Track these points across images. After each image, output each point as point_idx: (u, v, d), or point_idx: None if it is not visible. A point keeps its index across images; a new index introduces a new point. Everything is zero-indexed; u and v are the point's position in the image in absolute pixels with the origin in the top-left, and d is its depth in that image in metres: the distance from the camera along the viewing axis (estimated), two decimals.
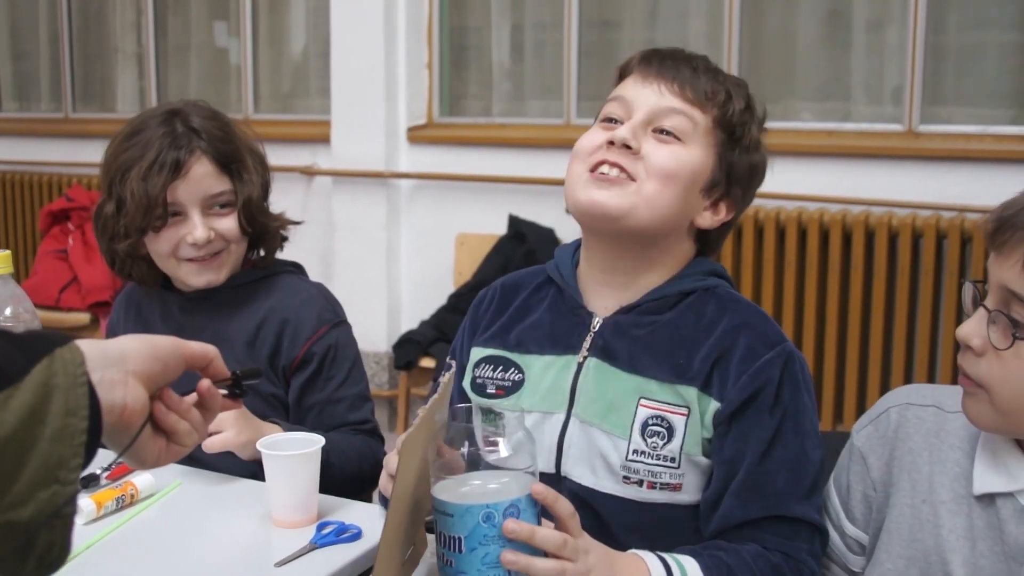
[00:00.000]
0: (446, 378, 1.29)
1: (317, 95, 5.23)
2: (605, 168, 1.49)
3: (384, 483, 1.46)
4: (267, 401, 1.98)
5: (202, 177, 1.93)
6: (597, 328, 1.54)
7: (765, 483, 1.44)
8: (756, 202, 4.04)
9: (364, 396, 2.06)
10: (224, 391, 1.18)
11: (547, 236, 4.38)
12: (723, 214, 1.57)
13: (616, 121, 1.53)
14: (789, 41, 4.32)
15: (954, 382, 1.36)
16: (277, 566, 1.52)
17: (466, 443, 1.23)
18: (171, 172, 1.90)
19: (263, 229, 2.03)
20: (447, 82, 4.90)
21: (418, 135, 4.78)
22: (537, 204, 4.43)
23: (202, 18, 5.67)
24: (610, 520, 1.46)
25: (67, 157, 5.76)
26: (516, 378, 1.56)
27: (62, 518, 0.87)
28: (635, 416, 1.47)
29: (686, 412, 1.46)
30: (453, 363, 1.59)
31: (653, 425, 1.46)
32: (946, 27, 4.03)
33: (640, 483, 1.46)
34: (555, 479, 1.48)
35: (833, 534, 1.50)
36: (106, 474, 1.78)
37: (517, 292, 1.66)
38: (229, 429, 1.76)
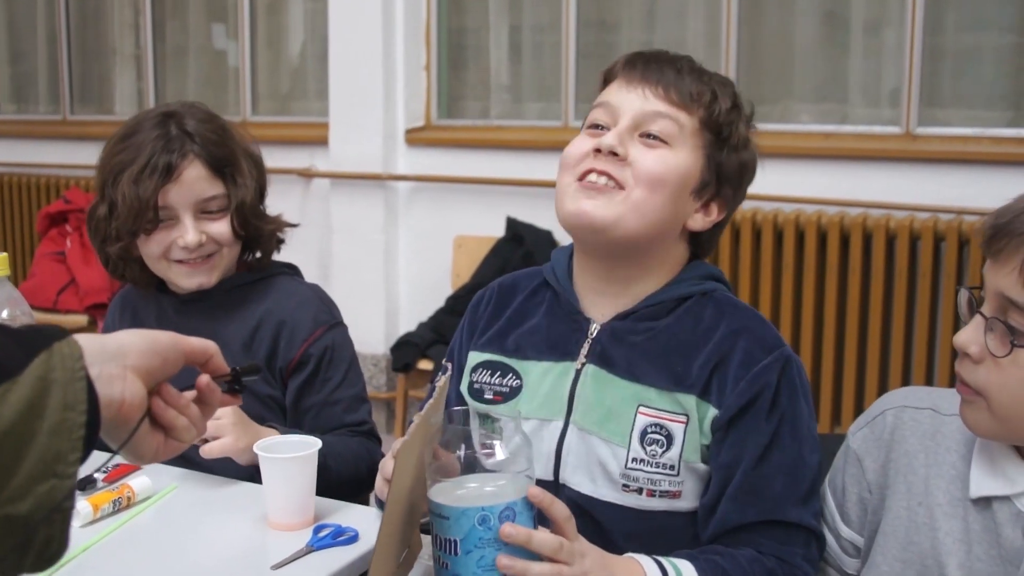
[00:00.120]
0: (442, 382, 1.29)
1: (315, 97, 5.23)
2: (593, 176, 1.48)
3: (380, 487, 1.46)
4: (264, 403, 1.98)
5: (194, 181, 1.93)
6: (595, 334, 1.53)
7: (762, 488, 1.44)
8: (754, 204, 4.07)
9: (361, 397, 2.06)
10: (223, 387, 1.17)
11: (545, 238, 4.38)
12: (715, 215, 1.56)
13: (602, 127, 1.52)
14: (787, 43, 4.32)
15: (952, 385, 1.36)
16: (273, 569, 1.51)
17: (462, 446, 1.23)
18: (162, 176, 1.90)
19: (257, 232, 2.02)
20: (445, 84, 4.90)
21: (416, 137, 4.78)
22: (535, 206, 4.43)
23: (200, 20, 5.67)
24: (609, 528, 1.46)
25: (65, 159, 5.76)
26: (514, 384, 1.56)
27: (61, 512, 0.87)
28: (634, 424, 1.47)
29: (685, 420, 1.46)
30: (449, 365, 1.60)
31: (652, 433, 1.46)
32: (944, 29, 4.03)
33: (639, 491, 1.46)
34: (553, 487, 1.48)
35: (828, 536, 1.50)
36: (103, 477, 1.78)
37: (514, 293, 1.66)
38: (228, 435, 1.76)
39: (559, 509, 1.24)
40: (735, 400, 1.45)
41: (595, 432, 1.49)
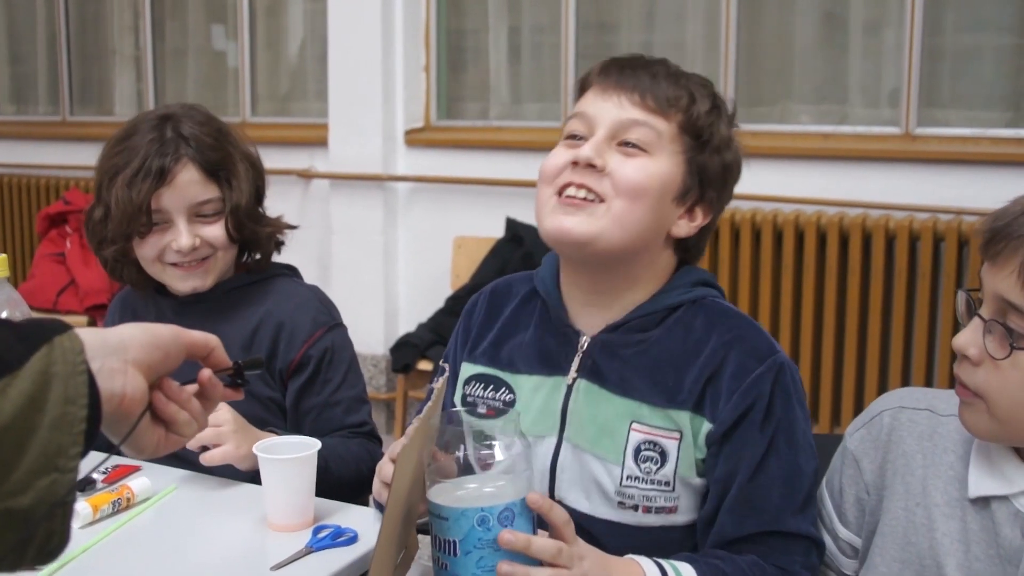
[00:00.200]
0: (439, 384, 1.29)
1: (314, 98, 5.23)
2: (572, 190, 1.46)
3: (378, 490, 1.45)
4: (264, 405, 1.98)
5: (188, 184, 1.92)
6: (585, 348, 1.52)
7: (759, 499, 1.43)
8: (753, 205, 4.08)
9: (361, 398, 2.06)
10: (226, 381, 1.16)
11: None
12: (700, 219, 1.53)
13: (580, 138, 1.50)
14: (786, 43, 4.32)
15: (952, 385, 1.36)
16: (273, 570, 1.52)
17: (461, 447, 1.23)
18: (156, 179, 1.90)
19: (254, 235, 2.02)
20: (444, 85, 4.90)
21: (415, 138, 4.78)
22: (534, 207, 4.42)
23: (200, 21, 5.67)
24: (606, 544, 1.43)
25: (64, 160, 5.76)
26: (507, 398, 1.55)
27: (62, 507, 0.87)
28: (627, 441, 1.46)
29: (678, 436, 1.45)
30: (447, 366, 1.59)
31: (646, 450, 1.45)
32: (943, 30, 4.03)
33: (635, 507, 1.46)
34: None
35: (826, 537, 1.50)
36: (102, 478, 1.79)
37: (507, 300, 1.64)
38: (228, 442, 1.76)
39: (558, 513, 1.24)
40: (729, 413, 1.43)
41: (589, 450, 1.48)
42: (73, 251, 5.23)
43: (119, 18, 5.89)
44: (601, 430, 1.48)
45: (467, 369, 1.61)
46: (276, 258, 2.11)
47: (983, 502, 1.33)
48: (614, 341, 1.51)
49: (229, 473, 1.81)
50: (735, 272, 4.10)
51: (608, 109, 1.49)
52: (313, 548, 1.57)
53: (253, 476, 1.74)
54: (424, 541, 1.33)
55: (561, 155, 1.50)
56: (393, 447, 1.35)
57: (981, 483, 1.33)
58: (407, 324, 4.79)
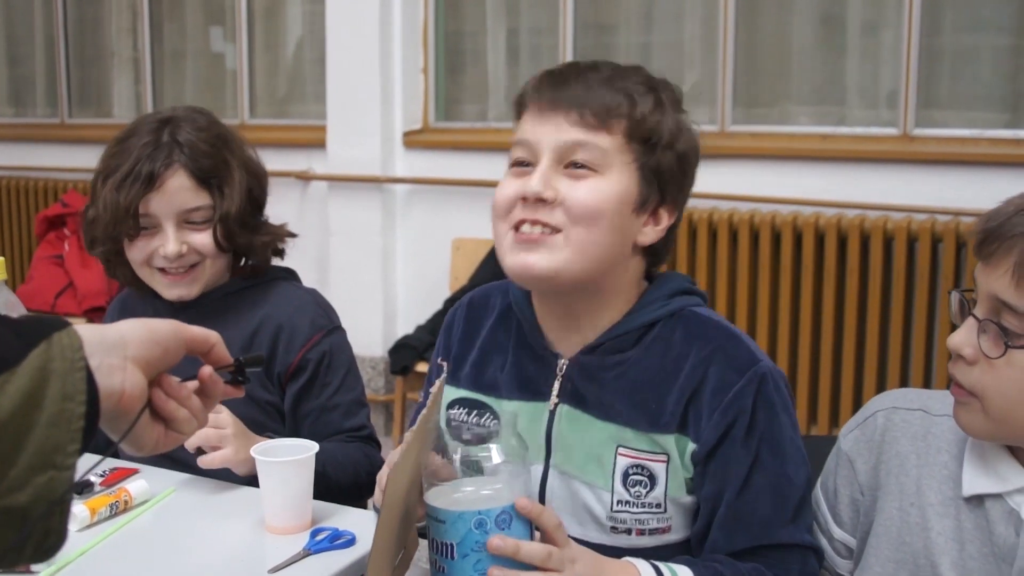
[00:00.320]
0: (436, 387, 1.28)
1: (313, 100, 5.23)
2: (526, 227, 1.41)
3: (378, 496, 1.45)
4: (263, 408, 1.98)
5: (177, 191, 1.92)
6: (563, 371, 1.49)
7: (748, 514, 1.41)
8: (751, 206, 4.08)
9: (360, 402, 2.05)
10: (226, 378, 1.15)
11: None
12: (665, 221, 1.49)
13: (526, 164, 1.45)
14: (784, 44, 4.32)
15: (948, 386, 1.36)
16: (271, 572, 1.52)
17: (459, 449, 1.23)
18: (144, 184, 1.90)
19: (248, 244, 2.01)
20: (443, 87, 4.90)
21: (414, 140, 4.78)
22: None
23: (198, 23, 5.67)
24: None
25: (63, 162, 5.75)
26: (491, 424, 1.52)
27: (60, 504, 0.87)
28: (615, 466, 1.44)
29: (665, 459, 1.43)
30: (445, 365, 1.58)
31: (634, 474, 1.44)
32: (941, 30, 4.03)
33: (628, 531, 1.45)
34: None
35: (821, 538, 1.49)
36: (100, 481, 1.78)
37: (485, 313, 1.61)
38: (227, 446, 1.75)
39: (548, 517, 1.23)
40: (711, 432, 1.41)
41: (577, 476, 1.46)
42: (71, 253, 5.23)
43: (117, 20, 5.88)
44: (588, 456, 1.46)
45: (450, 392, 1.58)
46: (275, 261, 2.11)
47: (977, 500, 1.34)
48: (592, 363, 1.48)
49: (227, 476, 1.81)
50: (733, 274, 4.10)
51: (547, 133, 1.43)
52: (311, 550, 1.57)
53: (251, 479, 1.74)
54: (422, 543, 1.33)
55: (509, 187, 1.45)
56: (393, 454, 1.34)
57: (975, 481, 1.34)
58: (405, 326, 4.79)
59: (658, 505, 1.44)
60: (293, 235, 2.11)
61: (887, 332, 3.91)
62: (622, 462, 1.44)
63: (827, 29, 4.27)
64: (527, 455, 1.26)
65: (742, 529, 1.42)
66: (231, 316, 2.01)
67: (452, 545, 1.19)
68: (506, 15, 4.86)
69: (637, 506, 1.44)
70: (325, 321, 2.04)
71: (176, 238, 1.93)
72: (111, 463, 1.82)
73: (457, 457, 1.23)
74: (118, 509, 1.71)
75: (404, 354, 4.38)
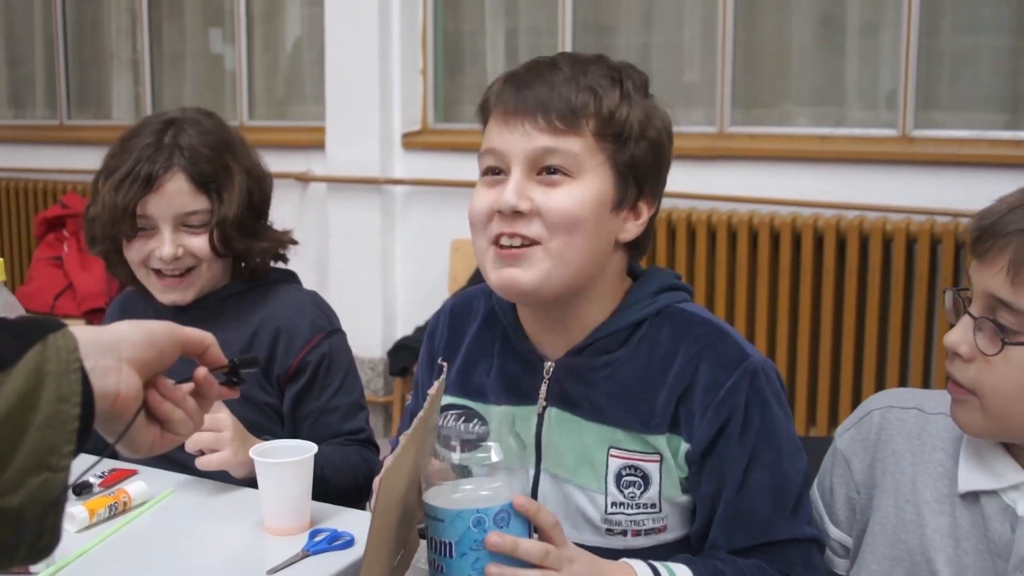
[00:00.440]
0: (434, 389, 1.28)
1: (312, 101, 5.23)
2: (505, 240, 1.40)
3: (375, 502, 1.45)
4: (262, 411, 1.98)
5: (175, 194, 1.92)
6: (550, 374, 1.48)
7: (748, 512, 1.41)
8: (750, 207, 4.08)
9: (359, 405, 2.05)
10: (221, 379, 1.15)
11: None
12: (646, 213, 1.47)
13: (498, 172, 1.43)
14: (783, 45, 4.32)
15: (948, 385, 1.37)
16: (269, 573, 1.51)
17: (457, 448, 1.23)
18: (142, 186, 1.90)
19: (247, 249, 2.00)
20: (442, 88, 4.90)
21: (413, 141, 4.78)
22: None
23: (197, 25, 5.67)
24: None
25: (62, 164, 5.75)
26: (480, 430, 1.49)
27: (55, 506, 0.87)
28: (607, 467, 1.43)
29: (658, 459, 1.42)
30: (444, 365, 1.57)
31: (628, 475, 1.43)
32: (940, 31, 4.03)
33: (624, 533, 1.44)
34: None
35: None
36: (99, 482, 1.78)
37: (468, 319, 1.60)
38: (226, 449, 1.75)
39: (545, 516, 1.23)
40: (705, 431, 1.40)
41: (569, 479, 1.46)
42: (70, 255, 5.23)
43: (117, 22, 5.89)
44: (579, 458, 1.45)
45: None
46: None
47: (972, 497, 1.34)
48: (579, 365, 1.47)
49: (226, 477, 1.81)
50: (731, 275, 4.10)
51: (515, 141, 1.40)
52: (310, 552, 1.57)
53: (250, 480, 1.74)
54: (423, 544, 1.33)
55: (484, 198, 1.43)
56: (389, 459, 1.34)
57: (971, 478, 1.35)
58: (405, 327, 4.79)
59: (653, 505, 1.43)
60: (295, 242, 2.10)
61: (886, 333, 3.91)
62: (615, 463, 1.43)
63: (826, 30, 4.27)
64: (525, 454, 1.26)
65: (742, 528, 1.41)
66: (231, 318, 2.01)
67: (451, 544, 1.19)
68: (505, 16, 4.86)
69: (632, 507, 1.43)
70: (325, 323, 2.03)
71: (172, 241, 1.92)
72: (110, 464, 1.81)
73: (455, 456, 1.23)
74: (117, 510, 1.71)
75: (403, 355, 4.38)
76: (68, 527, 1.64)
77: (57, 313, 5.08)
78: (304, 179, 4.97)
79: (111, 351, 0.98)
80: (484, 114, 1.49)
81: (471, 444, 1.32)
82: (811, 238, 3.94)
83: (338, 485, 1.87)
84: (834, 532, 1.49)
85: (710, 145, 4.22)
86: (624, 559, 1.36)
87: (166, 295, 1.97)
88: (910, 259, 3.85)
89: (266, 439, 1.82)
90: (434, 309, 4.97)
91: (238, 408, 1.79)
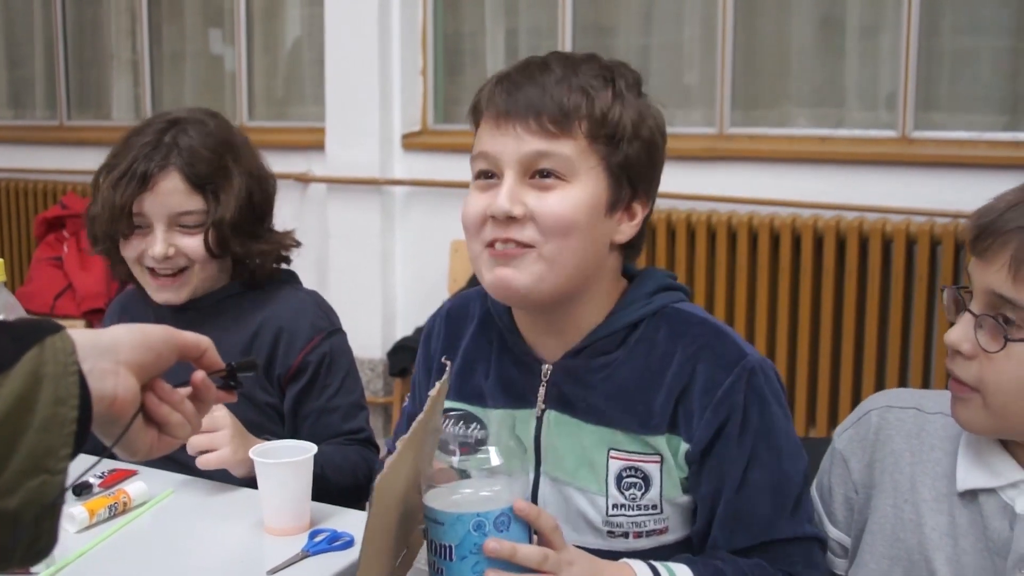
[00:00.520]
0: (435, 390, 1.28)
1: (311, 102, 5.23)
2: (499, 245, 1.39)
3: None
4: (262, 411, 1.98)
5: (170, 193, 1.92)
6: (548, 376, 1.48)
7: (748, 512, 1.41)
8: (750, 208, 4.08)
9: (359, 405, 2.05)
10: (219, 383, 1.15)
11: None
12: (640, 213, 1.46)
13: (491, 175, 1.42)
14: (783, 46, 4.32)
15: (947, 387, 1.37)
16: (269, 574, 1.52)
17: (457, 451, 1.23)
18: (138, 184, 1.90)
19: (244, 251, 1.99)
20: (441, 88, 4.90)
21: (413, 142, 4.78)
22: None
23: (197, 25, 5.67)
24: None
25: (62, 164, 5.75)
26: (479, 434, 1.50)
27: (52, 509, 0.87)
28: (608, 469, 1.43)
29: (658, 459, 1.42)
30: (448, 363, 1.56)
31: (628, 477, 1.43)
32: (940, 32, 4.04)
33: (625, 535, 1.44)
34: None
35: None
36: (99, 482, 1.78)
37: (465, 321, 1.60)
38: (226, 447, 1.75)
39: (545, 520, 1.23)
40: (704, 431, 1.40)
41: (570, 482, 1.45)
42: (70, 255, 5.23)
43: (116, 22, 5.88)
44: (579, 461, 1.45)
45: None
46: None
47: (971, 496, 1.35)
48: (577, 367, 1.47)
49: (226, 477, 1.81)
50: (731, 276, 4.10)
51: (507, 145, 1.40)
52: (309, 552, 1.57)
53: (250, 480, 1.74)
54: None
55: (477, 202, 1.43)
56: (389, 461, 1.34)
57: (969, 477, 1.35)
58: (404, 328, 4.79)
59: (654, 507, 1.43)
60: (297, 244, 2.09)
61: (886, 334, 3.91)
62: (615, 465, 1.43)
63: (826, 31, 4.27)
64: (525, 457, 1.26)
65: (743, 527, 1.41)
66: (232, 319, 2.01)
67: (451, 547, 1.19)
68: (505, 16, 4.86)
69: (633, 509, 1.43)
70: (325, 323, 2.04)
71: (164, 240, 1.93)
72: (109, 464, 1.82)
73: (455, 460, 1.23)
74: (117, 510, 1.71)
75: (403, 356, 4.38)
76: (68, 527, 1.64)
77: (57, 313, 5.08)
78: (304, 180, 4.97)
79: (108, 354, 0.98)
80: (476, 116, 1.48)
81: (470, 447, 1.31)
82: (811, 239, 3.94)
83: (338, 484, 1.87)
84: (832, 532, 1.49)
85: (710, 146, 4.22)
86: (624, 560, 1.35)
87: (159, 294, 1.98)
88: (910, 260, 3.85)
89: (267, 439, 1.82)
90: (434, 310, 4.97)
91: (239, 408, 1.79)
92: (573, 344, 1.48)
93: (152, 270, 1.96)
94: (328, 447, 1.88)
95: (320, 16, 4.87)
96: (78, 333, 0.93)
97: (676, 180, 3.86)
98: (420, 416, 1.22)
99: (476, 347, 1.57)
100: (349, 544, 1.59)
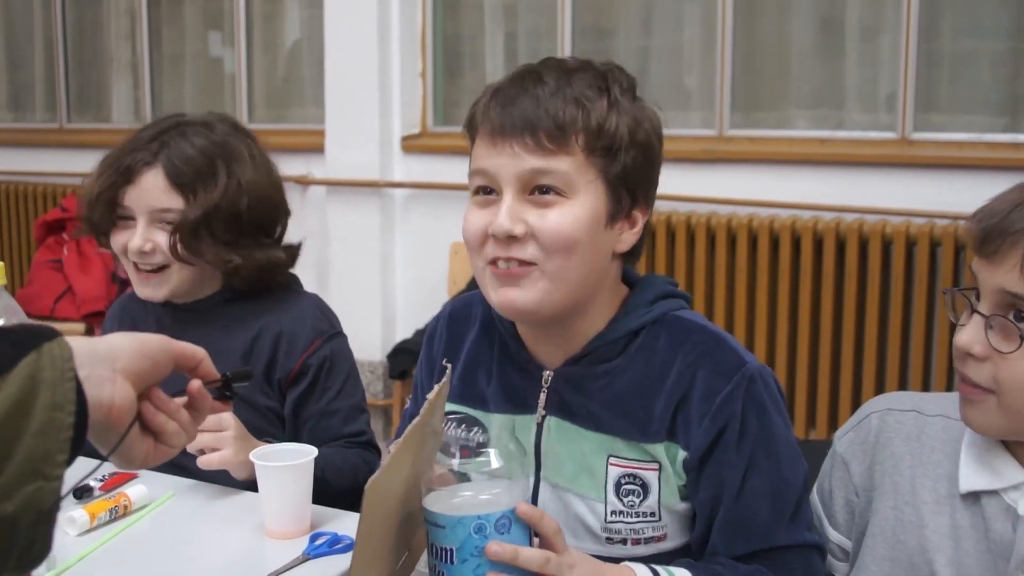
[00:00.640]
0: (433, 393, 1.27)
1: (311, 104, 5.23)
2: (502, 263, 1.40)
3: None
4: (263, 414, 1.98)
5: (150, 188, 1.93)
6: (549, 383, 1.48)
7: (747, 519, 1.41)
8: (749, 210, 4.08)
9: (360, 408, 2.05)
10: (214, 393, 1.15)
11: None
12: (640, 221, 1.46)
13: (490, 191, 1.42)
14: (783, 48, 4.32)
15: (949, 389, 1.37)
16: None
17: (457, 454, 1.23)
18: (122, 176, 1.93)
19: (216, 259, 1.95)
20: (441, 91, 4.90)
21: (412, 144, 4.78)
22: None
23: (197, 27, 5.67)
24: None
25: (62, 167, 5.75)
26: (480, 438, 1.49)
27: (47, 515, 0.87)
28: (607, 476, 1.43)
29: (657, 467, 1.42)
30: (448, 366, 1.56)
31: (627, 484, 1.43)
32: (939, 34, 4.04)
33: (624, 541, 1.44)
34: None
35: None
36: (99, 485, 1.78)
37: (468, 323, 1.60)
38: (227, 448, 1.75)
39: (548, 523, 1.23)
40: (702, 438, 1.40)
41: (569, 488, 1.46)
42: (70, 258, 5.23)
43: (116, 25, 5.88)
44: (579, 467, 1.45)
45: None
46: None
47: (973, 498, 1.35)
48: (578, 374, 1.47)
49: (226, 480, 1.81)
50: (731, 278, 4.10)
51: (504, 163, 1.39)
52: (310, 555, 1.57)
53: (250, 483, 1.74)
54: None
55: (477, 219, 1.42)
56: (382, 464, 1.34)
57: (972, 478, 1.35)
58: (404, 330, 4.79)
59: (652, 514, 1.43)
60: (287, 264, 2.06)
61: (885, 336, 3.91)
62: (614, 472, 1.43)
63: (826, 33, 4.27)
64: (526, 460, 1.26)
65: (742, 534, 1.41)
66: (233, 322, 2.01)
67: (452, 550, 1.19)
68: (504, 19, 4.86)
69: (631, 515, 1.43)
70: (326, 326, 2.03)
71: (142, 234, 1.94)
72: (110, 468, 1.81)
73: (455, 463, 1.22)
74: (117, 514, 1.71)
75: (403, 358, 4.38)
76: (69, 530, 1.64)
77: (57, 316, 5.08)
78: (303, 182, 4.97)
79: (105, 361, 0.98)
80: (471, 131, 1.47)
81: (471, 451, 1.31)
82: (810, 241, 3.94)
83: (338, 487, 1.87)
84: (833, 535, 1.49)
85: (709, 148, 4.22)
86: (625, 563, 1.35)
87: (141, 289, 1.99)
88: (909, 262, 3.85)
89: (268, 441, 1.82)
90: (434, 312, 4.98)
91: (239, 411, 1.80)
92: (574, 351, 1.48)
93: (136, 264, 1.96)
94: (328, 450, 1.88)
95: (320, 18, 4.87)
96: (75, 341, 0.93)
97: (675, 182, 3.87)
98: (417, 419, 1.22)
99: (478, 351, 1.57)
100: (350, 547, 1.59)
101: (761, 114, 4.30)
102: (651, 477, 1.43)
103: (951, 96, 4.07)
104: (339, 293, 4.71)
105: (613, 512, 1.43)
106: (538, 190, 1.38)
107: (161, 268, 1.96)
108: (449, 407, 1.55)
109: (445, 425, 1.52)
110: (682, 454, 1.42)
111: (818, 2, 4.25)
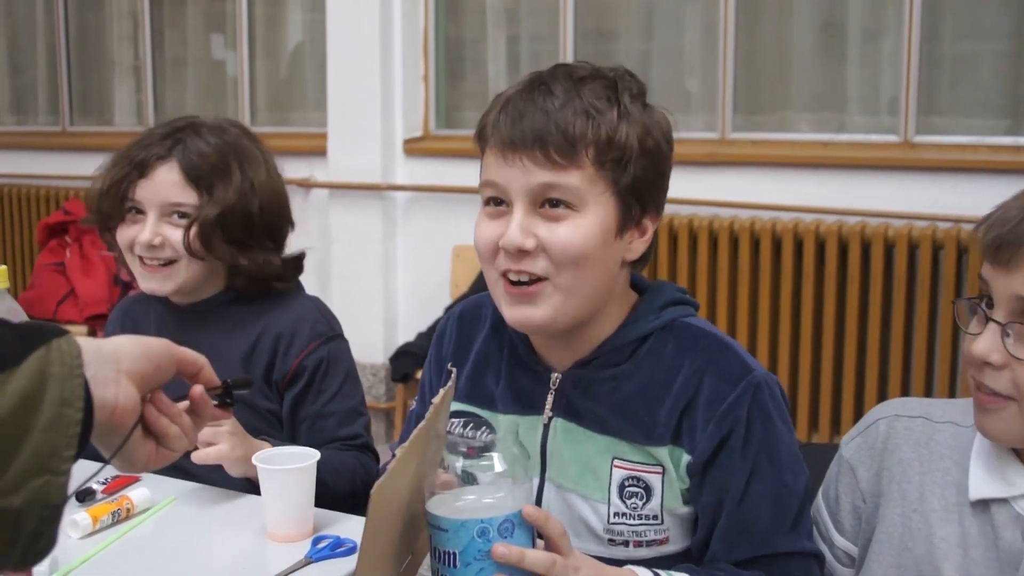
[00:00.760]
0: (439, 397, 1.27)
1: (313, 107, 5.23)
2: (513, 276, 1.40)
3: None
4: (262, 416, 1.98)
5: (164, 183, 1.94)
6: (557, 385, 1.49)
7: (749, 524, 1.41)
8: (751, 213, 4.09)
9: (357, 411, 2.04)
10: (214, 400, 1.16)
11: None
12: (650, 229, 1.46)
13: (500, 202, 1.42)
14: (784, 52, 4.33)
15: (951, 392, 1.37)
16: None
17: (461, 457, 1.23)
18: (136, 170, 1.94)
19: (228, 258, 1.97)
20: (443, 94, 4.90)
21: (414, 147, 4.78)
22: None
23: (199, 30, 5.68)
24: None
25: (64, 170, 5.76)
26: (487, 438, 1.49)
27: (54, 509, 0.87)
28: (611, 478, 1.44)
29: (661, 471, 1.43)
30: (454, 371, 1.56)
31: (630, 486, 1.44)
32: (941, 37, 4.04)
33: (626, 543, 1.45)
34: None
35: (822, 546, 1.49)
36: (102, 488, 1.78)
37: (478, 324, 1.61)
38: (223, 443, 1.75)
39: (553, 526, 1.23)
40: (707, 443, 1.41)
41: (573, 489, 1.47)
42: (73, 261, 5.24)
43: (119, 28, 5.89)
44: (583, 468, 1.46)
45: None
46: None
47: (982, 506, 1.34)
48: (586, 377, 1.48)
49: (228, 483, 1.81)
50: (733, 281, 4.10)
51: (515, 177, 1.38)
52: (312, 558, 1.57)
53: (252, 487, 1.74)
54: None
55: (489, 231, 1.42)
56: (388, 467, 1.34)
57: (982, 486, 1.34)
58: (406, 333, 4.79)
59: (655, 517, 1.44)
60: (285, 278, 2.06)
61: (888, 339, 3.91)
62: (618, 474, 1.44)
63: (827, 36, 4.28)
64: (529, 463, 1.26)
65: (743, 540, 1.41)
66: (235, 324, 2.01)
67: (455, 554, 1.19)
68: (506, 22, 4.86)
69: (634, 518, 1.44)
70: (325, 328, 2.03)
71: (153, 228, 1.94)
72: (113, 471, 1.81)
73: (459, 466, 1.22)
74: (120, 517, 1.71)
75: (405, 361, 4.38)
76: (71, 533, 1.64)
77: (59, 319, 5.09)
78: (306, 185, 4.97)
79: (110, 362, 0.98)
80: (482, 142, 1.46)
81: (476, 452, 1.31)
82: (813, 244, 3.94)
83: (335, 489, 1.86)
84: (839, 541, 1.48)
85: (711, 151, 4.22)
86: (628, 566, 1.36)
87: (146, 282, 1.99)
88: (912, 265, 3.85)
89: (264, 440, 1.82)
90: (436, 315, 4.97)
91: (239, 414, 1.80)
92: (583, 355, 1.49)
93: (141, 258, 1.97)
94: (325, 452, 1.87)
95: (322, 21, 4.88)
96: (81, 341, 0.93)
97: (678, 185, 3.82)
98: (422, 423, 1.22)
99: (488, 352, 1.58)
100: (352, 550, 1.59)
101: (763, 117, 4.30)
102: (654, 480, 1.43)
103: (953, 99, 4.07)
104: (341, 296, 4.71)
105: (616, 514, 1.44)
106: (548, 203, 1.39)
107: (168, 263, 1.96)
108: (457, 407, 1.56)
109: (452, 425, 1.53)
110: (686, 458, 1.42)
111: (820, 5, 4.25)
